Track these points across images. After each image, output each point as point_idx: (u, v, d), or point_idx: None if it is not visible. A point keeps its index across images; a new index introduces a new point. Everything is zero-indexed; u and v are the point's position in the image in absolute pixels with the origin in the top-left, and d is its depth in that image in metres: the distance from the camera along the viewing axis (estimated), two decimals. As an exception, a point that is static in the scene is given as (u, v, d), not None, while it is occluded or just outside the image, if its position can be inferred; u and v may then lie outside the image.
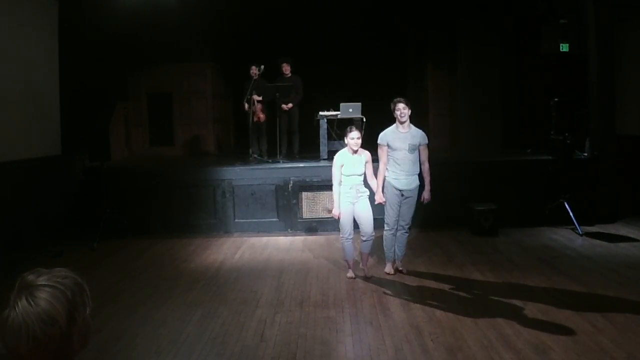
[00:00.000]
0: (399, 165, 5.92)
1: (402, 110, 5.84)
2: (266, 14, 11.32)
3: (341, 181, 5.89)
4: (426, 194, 6.05)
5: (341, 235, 6.04)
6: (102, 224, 7.78)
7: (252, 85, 9.28)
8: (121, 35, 9.81)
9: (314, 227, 8.49)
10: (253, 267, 6.64)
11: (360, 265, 6.16)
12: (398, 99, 5.92)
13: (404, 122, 5.89)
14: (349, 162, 5.89)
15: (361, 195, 5.91)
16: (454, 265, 6.43)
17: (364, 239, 5.97)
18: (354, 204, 5.89)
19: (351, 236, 5.97)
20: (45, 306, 1.30)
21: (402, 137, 5.91)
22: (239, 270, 6.52)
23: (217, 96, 12.07)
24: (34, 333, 1.28)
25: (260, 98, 9.43)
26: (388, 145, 5.94)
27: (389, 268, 6.18)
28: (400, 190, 5.94)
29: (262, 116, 9.51)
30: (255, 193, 8.53)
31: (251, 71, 9.41)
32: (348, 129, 6.02)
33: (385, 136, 5.98)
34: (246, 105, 9.40)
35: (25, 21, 7.76)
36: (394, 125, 6.00)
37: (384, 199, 5.94)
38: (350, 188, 5.86)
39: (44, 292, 1.32)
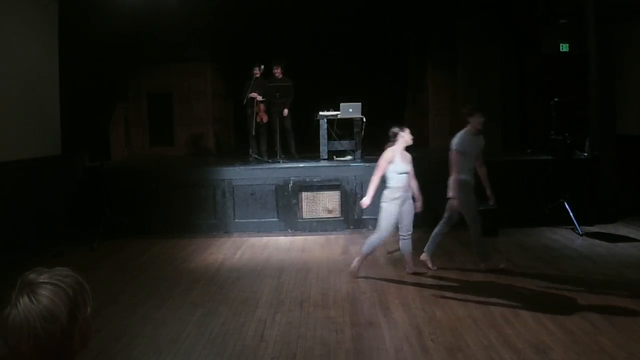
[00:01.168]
0: (469, 168, 6.14)
1: (481, 121, 6.14)
2: (266, 14, 11.32)
3: (386, 177, 5.84)
4: (490, 194, 6.31)
5: (378, 235, 5.95)
6: (102, 224, 7.78)
7: (252, 85, 9.26)
8: (121, 35, 9.80)
9: (314, 227, 8.49)
10: (253, 267, 6.64)
11: (407, 268, 6.14)
12: (478, 107, 6.24)
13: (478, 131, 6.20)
14: (401, 159, 5.88)
15: (408, 195, 5.97)
16: (454, 265, 6.43)
17: (406, 237, 6.00)
18: (402, 206, 5.89)
19: (386, 239, 6.06)
20: (47, 303, 1.31)
21: (474, 142, 6.17)
22: (239, 270, 6.52)
23: (217, 96, 12.07)
24: (34, 330, 1.29)
25: (261, 98, 9.42)
26: (464, 151, 6.10)
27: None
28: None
29: (265, 117, 9.49)
30: (255, 193, 8.53)
31: (254, 71, 9.41)
32: (398, 128, 5.97)
33: (464, 142, 6.12)
34: (245, 100, 9.38)
35: (25, 21, 7.76)
36: (465, 132, 6.17)
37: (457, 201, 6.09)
38: (404, 189, 5.86)
39: (45, 289, 1.33)
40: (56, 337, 1.31)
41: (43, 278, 1.35)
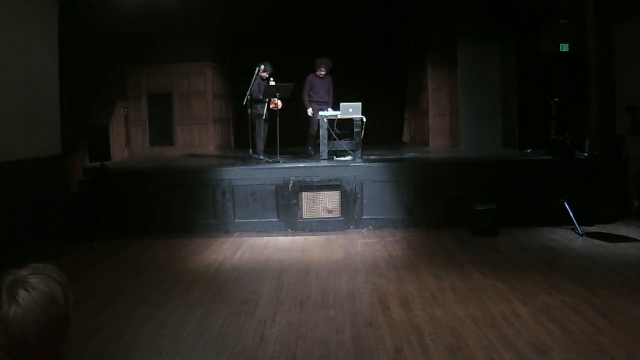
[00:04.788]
0: None
1: None
2: (266, 15, 11.33)
3: None
4: None
5: None
6: (102, 224, 7.77)
7: (253, 82, 9.21)
8: (121, 35, 9.82)
9: (314, 227, 8.49)
10: (253, 267, 6.63)
11: None
12: None
13: None
14: None
15: None
16: (454, 265, 6.43)
17: None
18: None
19: None
20: (44, 288, 1.35)
21: None
22: (239, 270, 6.51)
23: (217, 96, 12.08)
24: (40, 317, 1.32)
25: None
26: None
27: None
28: None
29: (279, 103, 9.30)
30: (255, 193, 8.53)
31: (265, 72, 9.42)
32: None
33: None
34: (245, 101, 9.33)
35: (26, 21, 7.76)
36: None
37: None
38: None
39: (34, 278, 1.36)
40: (58, 319, 1.35)
41: (24, 272, 1.37)
